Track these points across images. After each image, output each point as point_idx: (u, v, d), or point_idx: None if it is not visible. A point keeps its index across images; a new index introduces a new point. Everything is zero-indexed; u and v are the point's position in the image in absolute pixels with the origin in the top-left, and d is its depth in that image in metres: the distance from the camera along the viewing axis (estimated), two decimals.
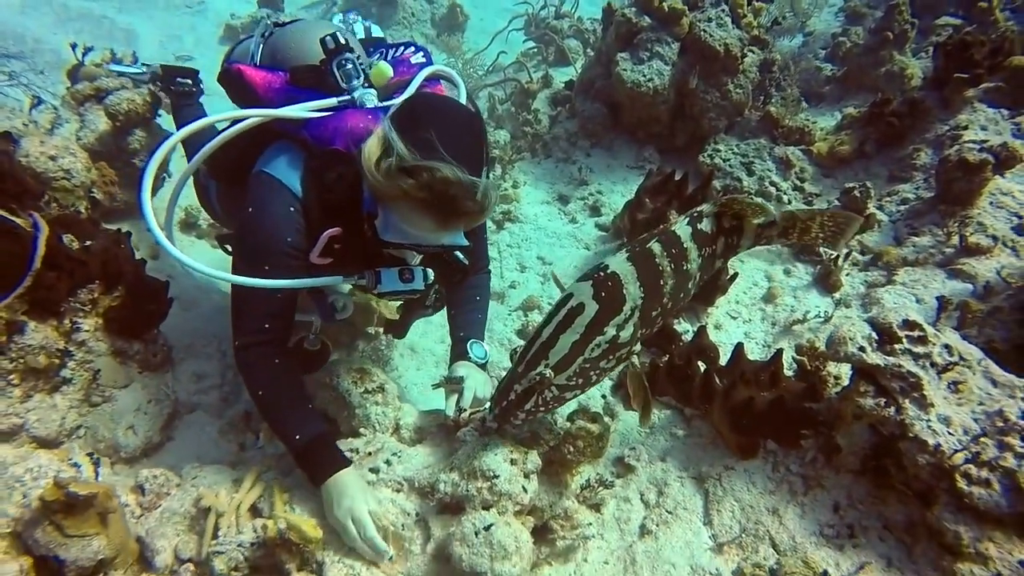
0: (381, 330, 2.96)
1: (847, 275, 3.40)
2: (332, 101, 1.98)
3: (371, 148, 1.69)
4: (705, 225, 1.98)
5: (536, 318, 3.29)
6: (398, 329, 2.46)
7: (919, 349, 1.99)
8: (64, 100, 3.68)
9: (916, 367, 1.95)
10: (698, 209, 2.02)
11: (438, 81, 2.31)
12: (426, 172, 1.59)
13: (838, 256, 3.40)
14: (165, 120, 3.89)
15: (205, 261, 1.86)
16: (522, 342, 3.21)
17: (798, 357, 2.42)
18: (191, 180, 2.45)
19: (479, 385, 2.13)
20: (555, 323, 1.78)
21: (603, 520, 2.17)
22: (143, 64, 3.67)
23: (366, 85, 2.03)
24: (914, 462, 1.87)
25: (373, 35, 2.75)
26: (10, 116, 3.31)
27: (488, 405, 1.97)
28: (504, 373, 2.88)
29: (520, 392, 1.79)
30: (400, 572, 1.84)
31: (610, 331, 1.78)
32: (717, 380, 2.39)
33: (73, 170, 3.07)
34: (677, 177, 3.34)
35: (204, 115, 3.08)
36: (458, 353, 2.26)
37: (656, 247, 1.87)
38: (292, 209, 1.92)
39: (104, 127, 3.54)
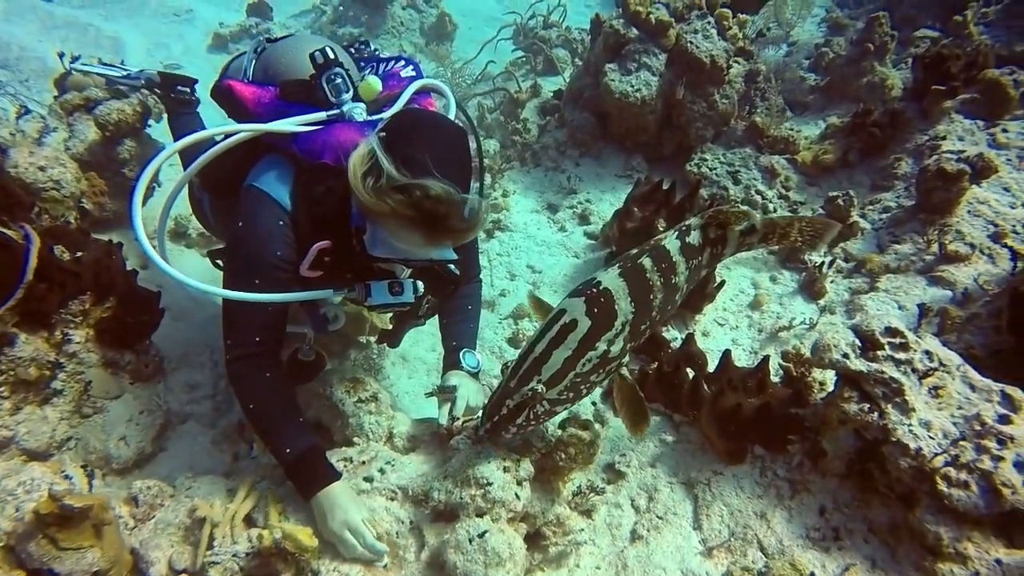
0: (373, 339, 2.98)
1: (832, 282, 3.47)
2: (321, 115, 2.00)
3: (355, 164, 1.70)
4: (693, 238, 2.03)
5: (527, 326, 3.32)
6: (391, 339, 2.48)
7: (901, 355, 2.05)
8: (52, 109, 3.67)
9: (898, 373, 2.01)
10: (686, 223, 2.07)
11: (428, 94, 2.34)
12: (415, 190, 1.61)
13: (823, 263, 3.47)
14: (155, 130, 3.89)
15: (195, 271, 1.87)
16: (513, 350, 3.24)
17: (784, 363, 2.48)
18: (184, 192, 2.46)
19: (471, 394, 2.15)
20: (548, 339, 1.80)
21: (595, 526, 2.20)
22: (126, 68, 3.63)
23: (355, 99, 2.05)
24: (896, 466, 1.92)
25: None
26: None
27: (480, 415, 2.00)
28: (495, 382, 2.91)
29: (512, 407, 1.81)
30: None
31: (601, 346, 1.81)
32: (705, 387, 2.43)
33: (63, 180, 3.07)
34: (665, 186, 3.40)
35: (201, 126, 3.09)
36: (450, 363, 2.28)
37: (647, 262, 1.91)
38: (281, 223, 1.93)
39: (94, 137, 3.53)
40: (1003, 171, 3.55)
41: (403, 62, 2.43)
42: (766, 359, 2.38)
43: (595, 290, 1.84)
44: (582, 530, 2.10)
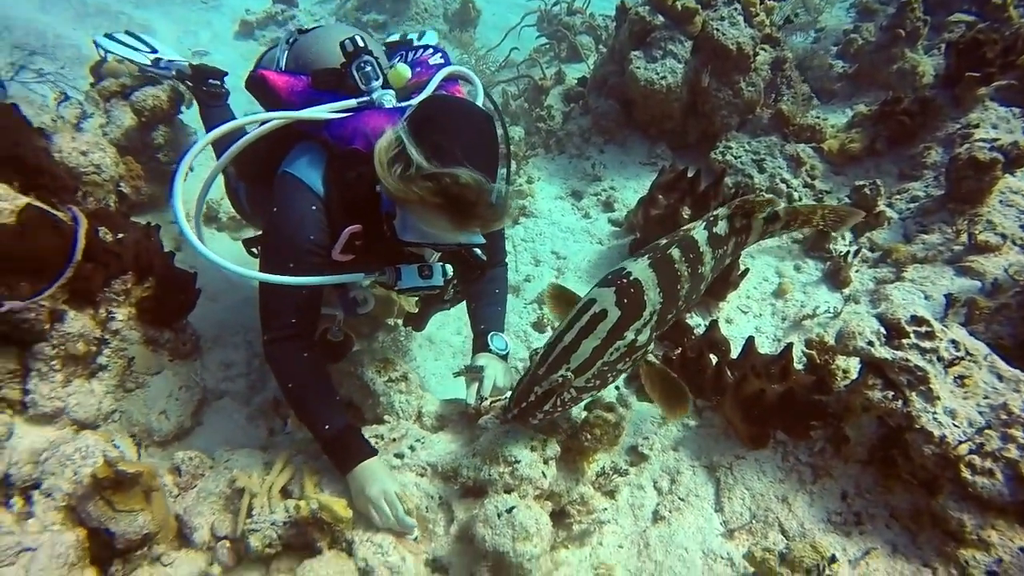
0: (400, 322, 3.05)
1: (856, 272, 3.46)
2: (352, 102, 2.04)
3: (380, 152, 1.73)
4: (720, 228, 2.05)
5: (551, 311, 3.36)
6: (417, 322, 2.54)
7: (926, 344, 2.05)
8: (88, 95, 3.78)
9: (923, 361, 2.02)
10: (713, 213, 2.09)
11: (456, 81, 2.37)
12: (444, 177, 1.63)
13: (848, 253, 3.45)
14: (187, 116, 3.99)
15: (227, 254, 1.93)
16: (537, 334, 3.29)
17: (807, 351, 2.49)
18: (220, 181, 2.52)
19: (499, 374, 2.20)
20: (577, 328, 1.83)
21: (617, 506, 2.25)
22: (154, 48, 3.69)
23: (385, 86, 2.09)
24: (920, 452, 1.93)
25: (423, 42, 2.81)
26: (39, 112, 3.40)
27: (508, 397, 2.05)
28: (520, 366, 2.96)
29: (540, 394, 1.84)
30: (425, 552, 1.93)
31: (629, 335, 1.84)
32: (728, 373, 2.46)
33: (103, 165, 3.16)
34: (690, 174, 3.40)
35: (232, 117, 3.16)
36: (479, 345, 2.33)
37: (676, 253, 1.94)
38: (314, 208, 1.99)
39: (129, 122, 3.64)
40: None
41: (431, 49, 2.47)
42: (790, 346, 2.40)
43: (625, 280, 1.86)
44: (605, 510, 2.15)
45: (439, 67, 2.25)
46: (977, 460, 1.85)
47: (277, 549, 1.90)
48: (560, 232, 3.99)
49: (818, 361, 2.42)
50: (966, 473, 1.84)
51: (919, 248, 3.39)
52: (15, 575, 1.57)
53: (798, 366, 2.47)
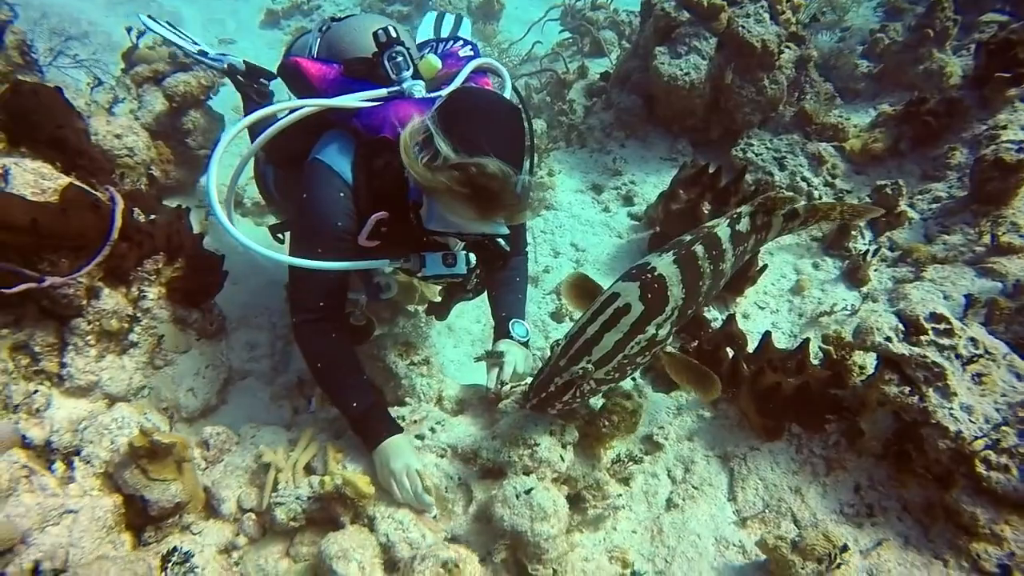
0: (422, 308, 3.10)
1: (875, 270, 3.45)
2: (382, 92, 2.08)
3: (406, 140, 1.76)
4: (743, 225, 2.08)
5: (567, 299, 3.40)
6: (440, 311, 2.57)
7: (945, 341, 2.06)
8: (120, 81, 3.87)
9: (941, 358, 2.03)
10: (737, 210, 2.12)
11: (485, 73, 2.41)
12: (470, 167, 1.66)
13: (867, 251, 3.45)
14: (215, 102, 4.07)
15: (253, 238, 1.97)
16: (556, 324, 3.33)
17: (824, 346, 2.50)
18: (250, 166, 2.58)
19: (519, 360, 2.24)
20: (600, 321, 1.85)
21: (632, 493, 2.29)
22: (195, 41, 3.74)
23: (415, 77, 2.13)
24: (935, 447, 1.95)
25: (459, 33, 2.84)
26: (74, 96, 3.50)
27: (528, 383, 2.09)
28: (539, 354, 3.00)
29: (560, 384, 1.87)
30: (444, 530, 1.98)
31: (651, 330, 1.87)
32: (745, 366, 2.48)
33: (135, 148, 3.25)
34: (711, 170, 3.41)
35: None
36: (501, 332, 2.37)
37: (699, 249, 1.96)
38: (342, 194, 2.03)
39: (161, 107, 3.73)
40: None
41: (460, 42, 2.51)
42: (807, 341, 2.42)
43: (650, 276, 1.88)
44: (620, 495, 2.19)
45: (468, 59, 2.29)
46: (992, 456, 1.86)
47: (301, 523, 1.97)
48: (580, 225, 4.02)
49: (835, 356, 2.44)
50: (981, 468, 1.86)
51: (940, 248, 3.38)
52: (59, 534, 1.65)
53: (814, 361, 2.49)
